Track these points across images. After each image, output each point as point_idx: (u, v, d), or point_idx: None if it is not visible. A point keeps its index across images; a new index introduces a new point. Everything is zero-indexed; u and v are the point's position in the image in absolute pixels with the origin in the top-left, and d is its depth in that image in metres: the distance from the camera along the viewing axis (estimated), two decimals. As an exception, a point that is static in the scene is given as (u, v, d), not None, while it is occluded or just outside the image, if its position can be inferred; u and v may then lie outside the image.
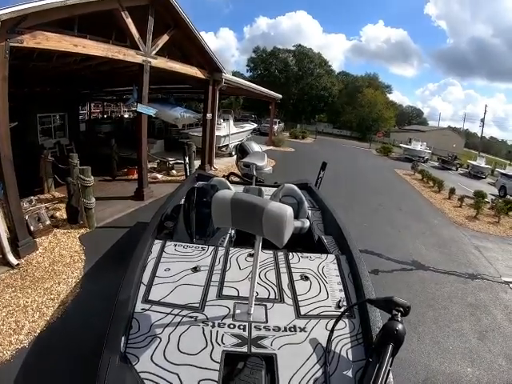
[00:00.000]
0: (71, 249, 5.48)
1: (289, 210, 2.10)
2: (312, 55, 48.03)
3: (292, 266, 3.31)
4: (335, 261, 3.43)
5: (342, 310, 2.70)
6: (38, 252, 5.20)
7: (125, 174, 10.33)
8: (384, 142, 35.32)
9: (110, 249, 5.49)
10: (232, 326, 2.54)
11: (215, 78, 10.45)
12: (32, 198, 6.86)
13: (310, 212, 4.67)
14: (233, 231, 4.13)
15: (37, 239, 5.47)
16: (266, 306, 2.76)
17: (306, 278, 3.12)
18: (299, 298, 2.86)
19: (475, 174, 24.92)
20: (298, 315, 2.68)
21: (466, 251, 7.67)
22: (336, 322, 2.43)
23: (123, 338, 2.24)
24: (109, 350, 2.11)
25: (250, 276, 3.01)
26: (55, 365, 3.19)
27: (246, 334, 2.48)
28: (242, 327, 2.54)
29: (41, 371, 3.14)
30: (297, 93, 44.53)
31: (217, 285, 2.96)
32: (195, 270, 3.09)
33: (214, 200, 2.29)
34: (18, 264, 4.72)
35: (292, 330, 2.55)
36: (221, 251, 3.44)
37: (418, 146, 29.16)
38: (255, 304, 2.66)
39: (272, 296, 2.88)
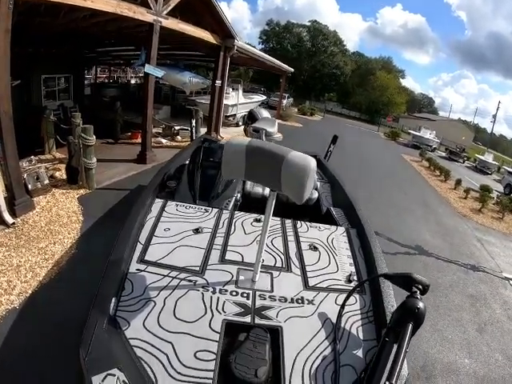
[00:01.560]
0: (69, 209, 5.37)
1: (313, 162, 1.85)
2: (327, 32, 46.88)
3: (300, 234, 3.15)
4: (345, 234, 3.28)
5: (352, 284, 2.54)
6: (34, 211, 5.08)
7: (128, 138, 10.13)
8: (393, 127, 34.85)
9: (109, 211, 5.38)
10: (234, 294, 2.34)
11: (227, 44, 10.07)
12: (32, 157, 6.68)
13: (318, 184, 4.52)
14: (239, 195, 3.97)
15: (34, 198, 5.34)
16: (271, 274, 2.58)
17: (315, 249, 2.95)
18: (307, 269, 2.68)
19: (481, 169, 24.68)
20: (306, 286, 2.50)
21: (469, 243, 7.61)
22: (347, 297, 2.24)
23: (114, 300, 2.04)
24: (96, 312, 1.90)
25: (256, 240, 2.90)
26: (45, 328, 3.10)
27: (249, 302, 2.29)
28: (245, 295, 2.35)
29: (30, 333, 3.06)
30: (308, 69, 43.62)
31: (219, 248, 2.77)
32: (197, 231, 2.90)
33: (226, 146, 2.04)
34: (13, 223, 4.60)
35: (299, 301, 2.36)
36: (225, 214, 3.26)
37: (427, 134, 28.75)
38: (261, 271, 2.49)
39: (279, 264, 2.70)
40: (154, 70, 7.48)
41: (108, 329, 1.83)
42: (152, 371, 1.68)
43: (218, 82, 10.41)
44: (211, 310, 2.14)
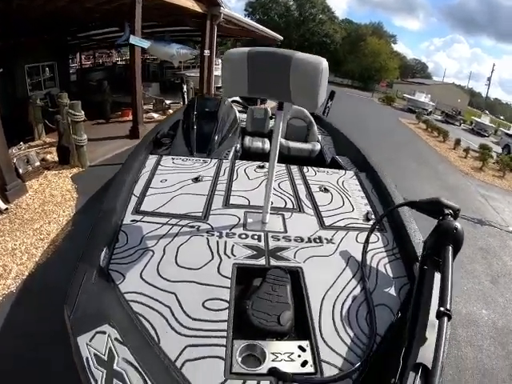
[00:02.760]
0: (62, 188, 5.22)
1: (324, 61, 1.62)
2: (314, 0, 45.62)
3: (308, 178, 2.99)
4: (355, 177, 3.14)
5: (370, 222, 2.35)
6: (27, 194, 4.93)
7: (119, 116, 9.94)
8: (387, 93, 34.50)
9: (104, 186, 5.20)
10: (244, 236, 2.11)
11: (213, 12, 9.69)
12: (21, 143, 6.48)
13: (319, 137, 4.41)
14: (238, 145, 3.85)
15: (26, 182, 5.18)
16: (283, 215, 2.38)
17: (326, 190, 2.78)
18: (321, 209, 2.50)
19: (478, 131, 24.45)
20: (322, 226, 2.30)
21: (473, 198, 7.59)
22: (371, 232, 2.09)
23: (105, 250, 1.81)
24: (84, 264, 1.70)
25: (262, 184, 2.74)
26: (42, 309, 2.93)
27: (261, 244, 2.06)
28: (256, 237, 2.12)
29: (27, 317, 2.91)
30: (297, 39, 42.66)
31: (223, 194, 2.58)
32: (196, 180, 2.70)
33: (224, 59, 1.80)
34: (6, 208, 4.46)
35: (317, 241, 2.15)
36: (225, 163, 3.08)
37: (422, 98, 28.48)
38: (271, 213, 2.27)
39: (289, 206, 2.52)
40: (139, 42, 7.17)
41: (98, 283, 1.63)
42: (153, 327, 1.47)
43: (207, 52, 10.06)
44: (219, 255, 1.93)
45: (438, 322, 1.25)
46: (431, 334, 1.29)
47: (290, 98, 1.72)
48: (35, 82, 11.43)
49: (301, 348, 1.47)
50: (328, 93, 5.79)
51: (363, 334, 1.55)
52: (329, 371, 1.37)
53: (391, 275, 1.93)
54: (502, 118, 38.74)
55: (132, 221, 2.15)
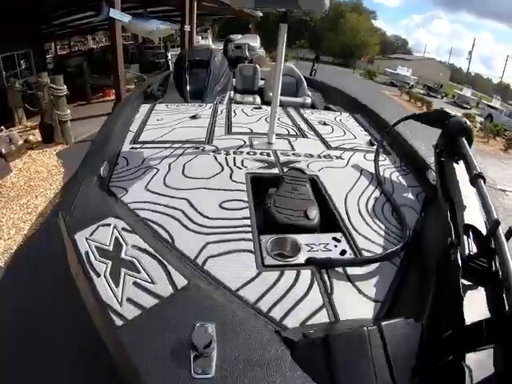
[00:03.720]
0: (48, 165, 5.13)
1: None
2: (292, -24, 44.93)
3: (306, 116, 3.06)
4: (351, 116, 3.20)
5: (374, 147, 2.37)
6: (12, 174, 4.83)
7: (100, 97, 9.78)
8: (368, 69, 34.54)
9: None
10: (252, 153, 2.14)
11: None
12: (2, 128, 6.26)
13: (309, 93, 4.41)
14: (232, 92, 3.91)
15: (10, 162, 5.06)
16: (288, 139, 2.41)
17: (326, 124, 2.85)
18: (324, 136, 2.55)
19: (461, 104, 24.80)
20: (329, 147, 2.36)
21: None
22: (380, 145, 2.17)
23: (105, 165, 1.75)
24: (81, 176, 1.64)
25: (261, 119, 2.79)
26: (32, 283, 2.86)
27: (271, 159, 2.09)
28: (265, 154, 2.15)
29: (16, 291, 2.81)
30: (276, 18, 42.26)
31: (223, 125, 2.59)
32: (194, 117, 2.69)
33: None
34: (-11, 189, 4.36)
35: (327, 157, 2.20)
36: (221, 106, 3.09)
37: (404, 72, 28.79)
38: (275, 138, 2.31)
39: (293, 133, 2.57)
40: (120, 15, 6.95)
41: (97, 192, 1.58)
42: (164, 229, 1.39)
43: (187, 27, 9.85)
44: (229, 167, 1.92)
45: (474, 188, 1.31)
46: (469, 200, 1.35)
47: (298, 3, 1.76)
48: (11, 72, 10.95)
49: (335, 239, 1.44)
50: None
51: (394, 226, 1.57)
52: (372, 266, 1.32)
53: (406, 184, 1.99)
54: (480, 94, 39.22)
55: (131, 148, 2.12)
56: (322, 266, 1.26)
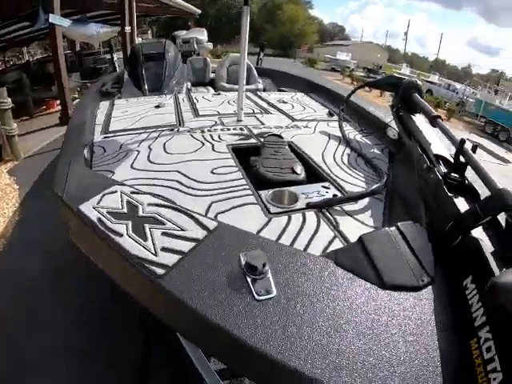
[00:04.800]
0: (0, 184, 4.83)
1: None
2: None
3: (264, 97, 3.27)
4: (305, 95, 3.46)
5: (334, 117, 2.69)
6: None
7: (44, 110, 9.33)
8: (308, 57, 35.24)
9: (45, 171, 4.96)
10: (226, 130, 2.28)
11: None
12: None
13: (260, 80, 4.62)
14: (189, 83, 4.02)
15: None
16: (255, 116, 2.63)
17: (284, 102, 3.07)
18: (287, 112, 2.78)
19: (401, 83, 25.90)
20: (294, 120, 2.59)
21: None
22: (342, 111, 2.45)
23: (87, 149, 1.81)
24: (66, 158, 1.63)
25: (224, 102, 2.95)
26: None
27: (246, 132, 2.26)
28: (238, 129, 2.31)
29: None
30: (214, 14, 41.91)
31: (190, 110, 2.71)
32: (158, 107, 2.78)
33: None
34: None
35: (295, 127, 2.41)
36: (181, 96, 3.19)
37: (344, 57, 29.65)
38: (244, 116, 2.49)
39: (257, 111, 2.77)
40: (59, 20, 6.69)
41: (90, 171, 1.62)
42: (164, 198, 1.37)
43: (128, 29, 9.66)
44: (208, 142, 2.05)
45: (434, 122, 1.62)
46: (431, 138, 1.66)
47: None
48: None
49: (324, 187, 1.63)
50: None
51: (371, 173, 1.80)
52: (364, 201, 1.52)
53: (370, 143, 2.27)
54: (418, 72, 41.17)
55: (104, 138, 2.17)
56: (322, 207, 1.42)
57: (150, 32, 14.63)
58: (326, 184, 1.66)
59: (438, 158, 1.48)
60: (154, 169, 1.72)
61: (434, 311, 0.85)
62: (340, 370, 0.70)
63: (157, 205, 1.23)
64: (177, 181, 1.60)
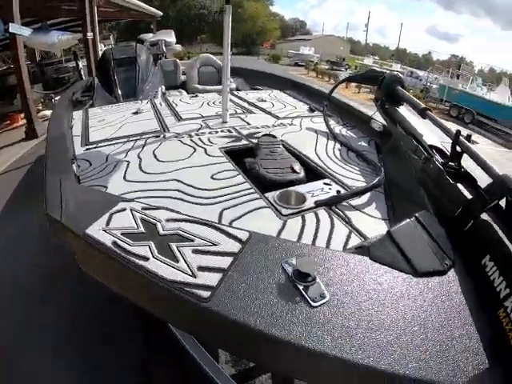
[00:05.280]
0: None
1: None
2: (187, -27, 44.22)
3: (242, 96, 3.28)
4: (281, 92, 3.50)
5: (316, 112, 2.77)
6: None
7: (8, 125, 8.98)
8: (272, 54, 35.50)
9: (17, 190, 4.66)
10: (214, 133, 2.24)
11: None
12: None
13: (232, 79, 4.54)
14: (163, 87, 3.91)
15: None
16: (239, 117, 2.62)
17: (264, 101, 3.10)
18: (269, 110, 2.81)
19: (364, 73, 26.45)
20: (278, 118, 2.62)
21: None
22: (326, 102, 2.53)
23: (75, 165, 1.70)
24: (54, 176, 1.48)
25: (204, 105, 2.93)
26: None
27: (234, 133, 2.23)
28: (225, 131, 2.28)
29: None
30: (175, 16, 41.43)
31: (170, 114, 2.67)
32: (136, 113, 2.71)
33: None
34: None
35: (281, 125, 2.44)
36: (158, 100, 3.14)
37: (307, 51, 30.03)
38: (229, 116, 2.49)
39: (240, 111, 2.77)
40: (19, 29, 6.43)
41: (84, 188, 1.51)
42: (171, 210, 1.27)
43: (90, 35, 9.41)
44: (200, 146, 2.01)
45: (424, 114, 1.71)
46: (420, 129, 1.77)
47: None
48: None
49: (326, 184, 1.65)
50: None
51: (364, 166, 1.87)
52: (366, 195, 1.56)
53: (356, 136, 2.33)
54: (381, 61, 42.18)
55: (86, 149, 2.05)
56: (331, 204, 1.45)
57: (111, 37, 14.30)
58: (327, 181, 1.68)
59: (432, 148, 1.57)
60: (149, 179, 1.64)
61: (461, 291, 0.91)
62: (406, 360, 0.73)
63: (176, 220, 1.13)
64: (177, 190, 1.54)
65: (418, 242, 1.05)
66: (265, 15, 44.43)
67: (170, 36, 4.29)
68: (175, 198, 1.48)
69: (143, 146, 2.03)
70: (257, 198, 1.48)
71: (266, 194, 1.51)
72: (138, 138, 2.16)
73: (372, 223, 1.36)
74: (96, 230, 1.08)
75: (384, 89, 2.10)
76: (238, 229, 1.09)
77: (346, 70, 28.74)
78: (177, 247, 1.01)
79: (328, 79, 17.08)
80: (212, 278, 0.90)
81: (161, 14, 16.47)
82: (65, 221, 1.17)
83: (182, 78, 4.72)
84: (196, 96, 3.26)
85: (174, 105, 2.94)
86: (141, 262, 0.95)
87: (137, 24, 23.84)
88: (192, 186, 1.56)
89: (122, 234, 1.06)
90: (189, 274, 0.92)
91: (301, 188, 1.59)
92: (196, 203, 1.45)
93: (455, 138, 1.33)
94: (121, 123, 2.49)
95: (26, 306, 2.40)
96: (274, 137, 2.06)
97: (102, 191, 1.50)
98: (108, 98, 3.37)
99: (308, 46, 31.49)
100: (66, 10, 9.59)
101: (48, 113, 9.22)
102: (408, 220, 1.13)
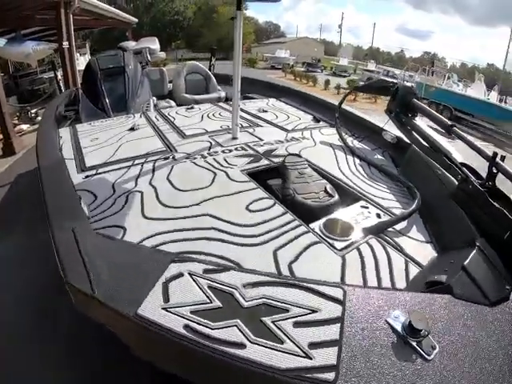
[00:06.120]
0: None
1: None
2: (161, -21, 43.92)
3: (244, 108, 3.16)
4: (277, 101, 3.42)
5: (321, 123, 2.73)
6: None
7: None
8: (247, 58, 35.67)
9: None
10: (227, 151, 2.06)
11: None
12: None
13: (219, 87, 4.54)
14: (154, 98, 3.73)
15: None
16: (247, 131, 2.47)
17: (265, 111, 3.03)
18: (275, 123, 2.72)
19: (340, 74, 26.82)
20: (288, 131, 2.53)
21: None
22: (337, 115, 2.47)
23: (86, 208, 1.40)
24: (60, 220, 1.25)
25: (204, 118, 2.79)
26: None
27: (251, 151, 2.07)
28: (240, 148, 2.11)
29: None
30: (149, 22, 41.03)
31: (172, 131, 2.45)
32: (133, 129, 2.48)
33: None
34: None
35: (294, 139, 2.34)
36: (152, 113, 2.92)
37: (283, 54, 30.37)
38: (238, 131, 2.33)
39: (246, 125, 2.63)
40: None
41: (107, 241, 1.21)
42: (216, 256, 1.17)
43: (66, 44, 9.21)
44: (219, 170, 1.82)
45: (451, 130, 1.70)
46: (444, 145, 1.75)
47: None
48: None
49: (363, 207, 1.57)
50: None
51: (390, 181, 1.83)
52: (399, 212, 1.50)
53: (369, 148, 2.29)
54: (356, 61, 42.90)
55: (86, 177, 1.80)
56: (379, 232, 1.38)
57: (87, 46, 14.07)
58: (363, 203, 1.61)
59: (464, 166, 1.55)
60: (173, 215, 1.42)
61: None
62: None
63: (254, 284, 0.95)
64: (213, 228, 1.35)
65: (484, 271, 1.07)
66: (240, 19, 44.51)
67: (153, 43, 4.18)
68: (214, 240, 1.29)
69: (153, 171, 1.82)
70: (305, 232, 1.36)
71: (311, 225, 1.40)
72: (144, 160, 1.96)
73: (419, 248, 1.34)
74: (154, 310, 0.86)
75: (399, 101, 2.10)
76: (328, 285, 0.97)
77: (322, 71, 29.27)
78: (273, 322, 0.84)
79: (306, 81, 17.23)
80: (329, 355, 0.78)
81: (136, 20, 16.31)
82: (102, 296, 0.91)
83: (169, 86, 4.58)
84: (192, 108, 3.11)
85: (171, 118, 2.76)
86: (236, 351, 0.77)
87: (111, 31, 23.53)
88: (229, 222, 1.39)
89: (192, 312, 0.85)
90: (303, 356, 0.77)
91: (342, 214, 1.50)
92: (241, 244, 1.27)
93: (492, 159, 1.34)
94: (118, 142, 2.28)
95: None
96: (299, 156, 1.94)
97: (135, 245, 1.24)
98: (96, 112, 3.14)
99: (284, 49, 31.77)
100: (41, 19, 9.36)
101: (25, 127, 9.03)
102: (474, 250, 1.13)
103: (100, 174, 1.83)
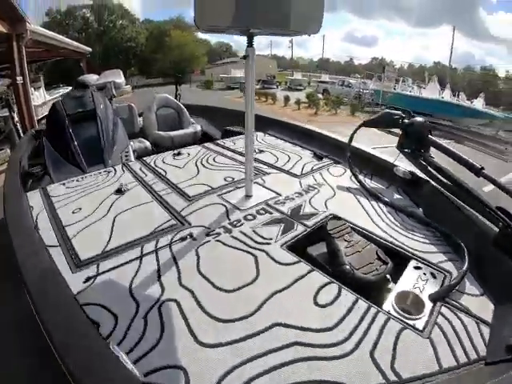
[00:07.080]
0: None
1: None
2: (112, 6, 43.56)
3: (233, 148, 2.90)
4: (267, 135, 3.23)
5: (324, 160, 2.59)
6: None
7: None
8: (202, 80, 36.03)
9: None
10: (251, 218, 1.77)
11: (18, 31, 8.31)
12: None
13: (192, 120, 4.30)
14: (132, 143, 3.29)
15: None
16: (256, 183, 2.19)
17: (262, 151, 2.80)
18: (281, 167, 2.48)
19: (295, 88, 27.82)
20: (298, 176, 2.33)
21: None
22: (349, 159, 2.28)
23: (116, 348, 1.01)
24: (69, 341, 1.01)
25: (199, 167, 2.45)
26: None
27: (277, 215, 1.80)
28: (262, 212, 1.82)
29: None
30: (102, 51, 40.54)
31: (170, 191, 2.10)
32: (121, 191, 2.09)
33: None
34: None
35: (311, 188, 2.12)
36: (134, 165, 2.53)
37: (238, 73, 30.80)
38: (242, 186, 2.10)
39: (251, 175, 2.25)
40: None
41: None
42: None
43: (20, 79, 8.94)
44: (253, 248, 1.52)
45: (480, 173, 1.63)
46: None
47: (289, 22, 1.56)
48: None
49: (416, 268, 1.44)
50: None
51: (423, 228, 1.72)
52: (455, 271, 1.41)
53: (382, 187, 2.18)
54: (309, 74, 44.37)
55: (86, 280, 1.33)
56: (444, 297, 1.29)
57: (42, 79, 13.69)
58: (414, 263, 1.46)
59: (499, 209, 1.47)
60: (237, 335, 1.08)
61: None
62: None
63: None
64: (296, 343, 1.07)
65: None
66: (192, 42, 44.84)
67: (119, 77, 3.90)
68: (304, 360, 1.01)
69: (175, 261, 1.43)
70: (387, 320, 1.18)
71: (385, 308, 1.24)
72: (155, 242, 1.57)
73: (479, 303, 1.27)
74: None
75: (413, 136, 1.99)
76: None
77: (277, 86, 29.97)
78: None
79: (265, 99, 17.58)
80: None
81: (90, 50, 16.14)
82: None
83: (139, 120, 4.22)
84: (179, 154, 2.69)
85: (161, 171, 2.36)
86: None
87: (64, 62, 23.08)
88: (309, 330, 1.12)
89: None
90: None
91: (403, 284, 1.36)
92: (333, 357, 1.03)
93: None
94: (108, 213, 1.86)
95: None
96: (339, 218, 1.71)
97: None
98: (66, 168, 2.64)
99: (238, 69, 32.34)
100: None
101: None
102: None
103: (105, 272, 1.37)
